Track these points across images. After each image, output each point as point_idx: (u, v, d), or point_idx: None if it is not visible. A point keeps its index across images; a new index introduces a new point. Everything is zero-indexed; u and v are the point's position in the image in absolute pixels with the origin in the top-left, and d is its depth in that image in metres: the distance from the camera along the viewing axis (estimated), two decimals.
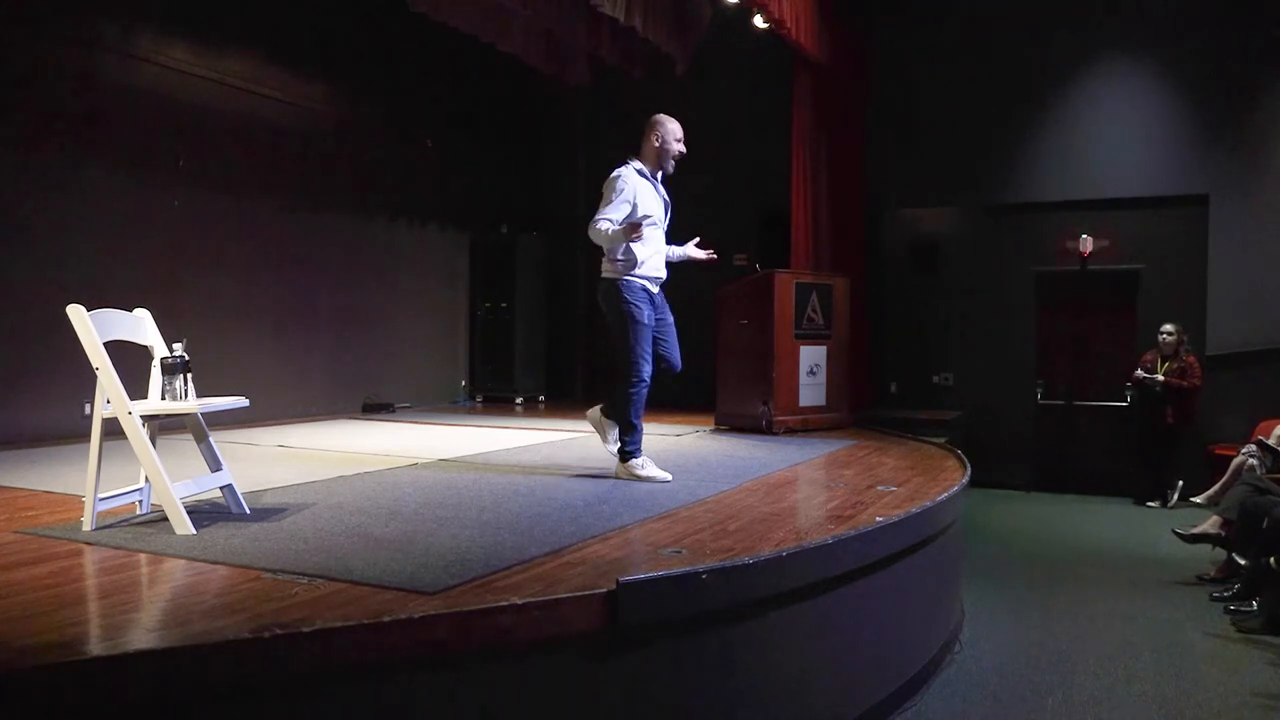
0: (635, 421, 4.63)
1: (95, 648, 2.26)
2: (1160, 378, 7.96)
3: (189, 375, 3.61)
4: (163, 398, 3.60)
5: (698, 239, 5.02)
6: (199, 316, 6.84)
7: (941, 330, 9.26)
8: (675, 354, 4.80)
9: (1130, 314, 8.73)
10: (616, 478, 4.66)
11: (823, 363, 7.02)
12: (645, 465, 4.65)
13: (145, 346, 3.69)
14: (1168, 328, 7.99)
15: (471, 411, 8.87)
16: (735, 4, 7.41)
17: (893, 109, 9.24)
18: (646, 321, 4.60)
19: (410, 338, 9.25)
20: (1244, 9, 8.13)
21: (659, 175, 4.76)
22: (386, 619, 2.36)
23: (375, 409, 8.40)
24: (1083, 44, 8.68)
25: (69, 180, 6.31)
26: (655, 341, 4.68)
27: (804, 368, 6.90)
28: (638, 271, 4.60)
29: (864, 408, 8.20)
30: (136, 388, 3.52)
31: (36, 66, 6.14)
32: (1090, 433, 8.85)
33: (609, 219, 4.52)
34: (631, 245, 4.53)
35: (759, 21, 7.41)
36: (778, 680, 3.16)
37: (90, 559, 3.10)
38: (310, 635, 2.25)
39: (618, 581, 2.64)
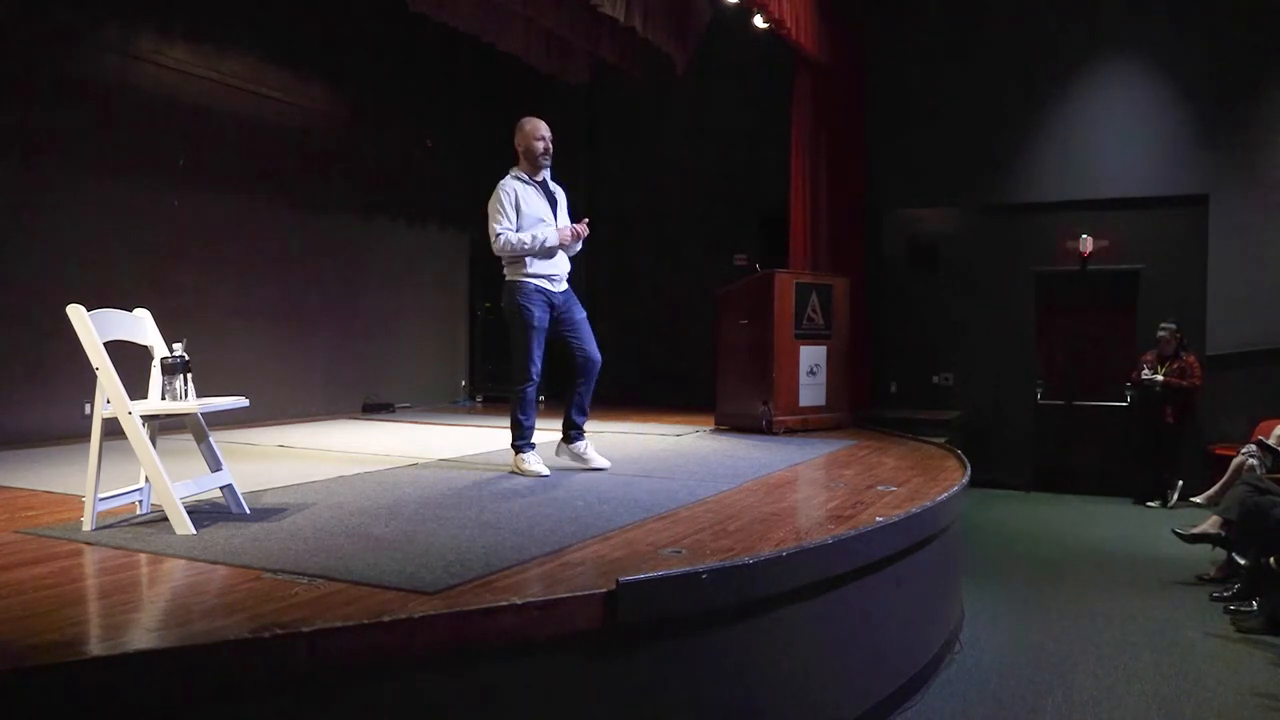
0: (521, 418, 4.86)
1: (95, 648, 2.26)
2: (1160, 378, 7.96)
3: (189, 375, 3.61)
4: (163, 398, 3.60)
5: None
6: (199, 316, 6.84)
7: (941, 330, 9.25)
8: (590, 347, 4.98)
9: (1130, 314, 8.72)
10: (510, 472, 4.85)
11: (823, 363, 7.02)
12: (529, 460, 4.83)
13: (145, 346, 3.69)
14: (1163, 332, 7.99)
15: (471, 411, 8.86)
16: (735, 4, 7.41)
17: (893, 109, 9.24)
18: (537, 324, 4.81)
19: (410, 338, 9.25)
20: (1243, 9, 8.13)
21: (542, 175, 4.92)
22: (386, 619, 2.36)
23: (375, 409, 8.40)
24: (1083, 44, 8.68)
25: (69, 180, 6.31)
26: (564, 339, 4.93)
27: (804, 368, 6.90)
28: (531, 271, 4.82)
29: (864, 408, 8.20)
30: (136, 388, 3.52)
31: (36, 66, 6.15)
32: (1090, 433, 8.85)
33: (505, 229, 4.76)
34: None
35: (759, 21, 7.41)
36: (778, 680, 3.16)
37: (90, 559, 3.09)
38: (310, 635, 2.25)
39: (618, 581, 2.64)
